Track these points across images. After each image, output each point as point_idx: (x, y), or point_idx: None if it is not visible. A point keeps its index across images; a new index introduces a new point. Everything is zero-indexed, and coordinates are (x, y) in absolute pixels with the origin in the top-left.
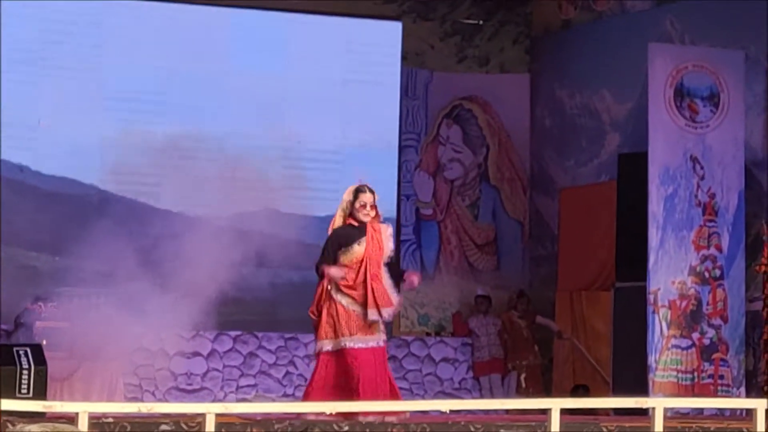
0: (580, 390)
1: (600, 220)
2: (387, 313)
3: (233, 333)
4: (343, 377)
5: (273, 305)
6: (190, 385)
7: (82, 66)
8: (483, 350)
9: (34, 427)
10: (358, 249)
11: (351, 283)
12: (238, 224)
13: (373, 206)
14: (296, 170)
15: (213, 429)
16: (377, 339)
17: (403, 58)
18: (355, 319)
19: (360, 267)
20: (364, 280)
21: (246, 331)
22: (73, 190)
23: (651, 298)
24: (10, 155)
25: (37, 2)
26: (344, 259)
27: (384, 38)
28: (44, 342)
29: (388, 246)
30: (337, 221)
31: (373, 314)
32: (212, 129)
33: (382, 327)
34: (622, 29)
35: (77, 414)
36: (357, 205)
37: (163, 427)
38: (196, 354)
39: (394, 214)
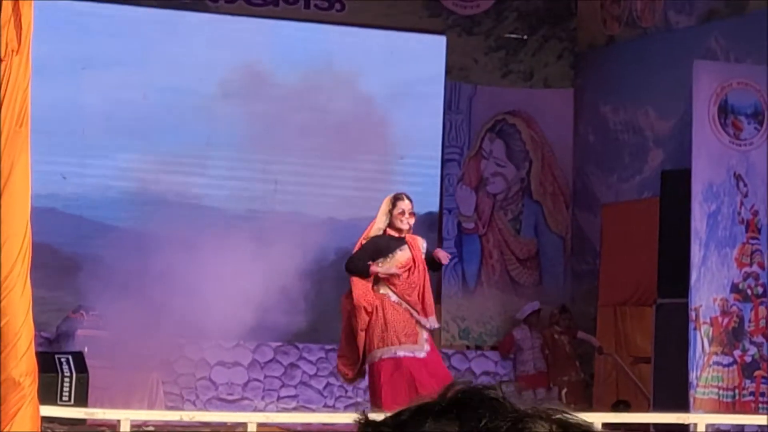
0: (620, 406)
1: (642, 236)
2: (433, 322)
3: (274, 344)
4: (406, 386)
5: (314, 316)
6: (231, 395)
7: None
8: (527, 364)
9: None
10: (401, 255)
11: (405, 288)
12: (281, 235)
13: (412, 213)
14: (339, 184)
15: None
16: (423, 349)
17: (447, 72)
18: (411, 324)
19: (410, 272)
20: (418, 287)
21: (287, 342)
22: (114, 197)
23: (693, 314)
24: (53, 163)
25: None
26: (387, 266)
27: (428, 52)
28: (86, 350)
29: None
30: (374, 231)
31: (428, 321)
32: (256, 140)
33: (426, 336)
34: (667, 46)
35: (119, 421)
36: (396, 212)
37: None
38: (237, 364)
39: (435, 227)
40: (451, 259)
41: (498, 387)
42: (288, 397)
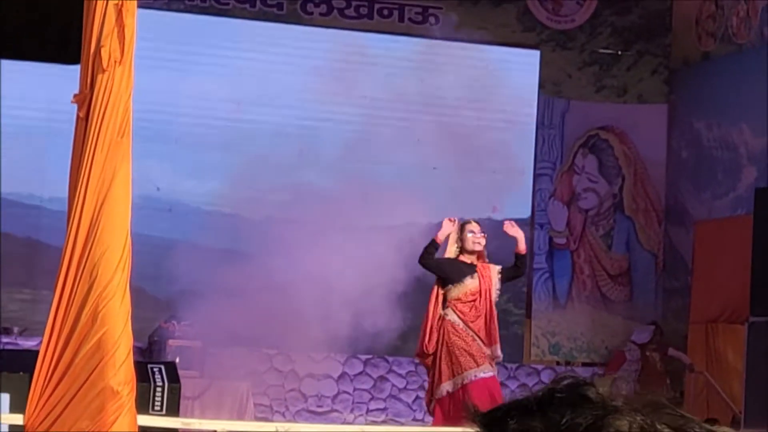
0: (710, 424)
1: (735, 253)
2: (498, 351)
3: (364, 356)
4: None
5: (404, 330)
6: (320, 407)
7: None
8: (628, 383)
9: None
10: (471, 282)
11: (471, 316)
12: (371, 251)
13: (483, 234)
14: (430, 196)
15: None
16: (493, 370)
17: (541, 86)
18: (479, 348)
19: (476, 301)
20: (483, 315)
21: (377, 355)
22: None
23: None
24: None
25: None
26: (455, 292)
27: (522, 66)
28: (177, 360)
29: (497, 285)
30: (447, 256)
31: (491, 350)
32: (349, 150)
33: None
34: (762, 62)
35: None
36: (466, 234)
37: None
38: (327, 376)
39: (527, 242)
40: (542, 274)
41: (593, 383)
42: (377, 410)
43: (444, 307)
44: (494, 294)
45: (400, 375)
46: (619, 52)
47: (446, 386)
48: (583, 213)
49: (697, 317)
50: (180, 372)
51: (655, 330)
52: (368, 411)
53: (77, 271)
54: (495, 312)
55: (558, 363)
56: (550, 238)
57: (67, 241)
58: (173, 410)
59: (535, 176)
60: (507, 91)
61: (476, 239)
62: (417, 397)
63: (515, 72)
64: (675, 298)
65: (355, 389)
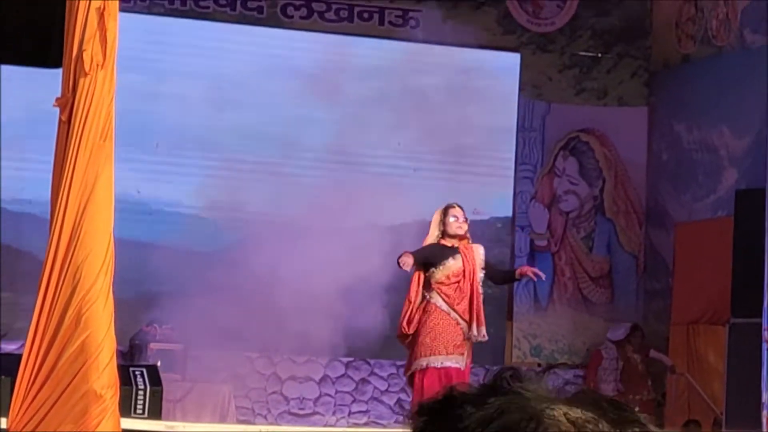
0: (691, 425)
1: (715, 255)
2: (483, 332)
3: (345, 359)
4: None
5: (386, 333)
6: (302, 409)
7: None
8: (608, 384)
9: None
10: (454, 263)
11: (455, 298)
12: (353, 254)
13: (465, 219)
14: (412, 197)
15: None
16: (464, 360)
17: (521, 89)
18: (459, 334)
19: (460, 282)
20: (468, 296)
21: (358, 358)
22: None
23: (766, 334)
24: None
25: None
26: (439, 275)
27: (502, 69)
28: (158, 363)
29: (481, 265)
30: (429, 240)
31: (476, 331)
32: (331, 151)
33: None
34: (742, 65)
35: None
36: (448, 219)
37: None
38: (309, 379)
39: (508, 244)
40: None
41: (527, 375)
42: (359, 412)
43: (428, 290)
44: (479, 274)
45: (381, 378)
46: (599, 55)
47: (425, 361)
48: (564, 215)
49: (679, 319)
50: (161, 375)
51: (632, 327)
52: (350, 413)
53: (60, 275)
54: (480, 292)
55: (539, 365)
56: (531, 241)
57: (50, 245)
58: (155, 413)
59: (516, 179)
60: (487, 94)
61: (459, 224)
62: (399, 400)
63: (496, 75)
64: (656, 300)
65: (336, 392)
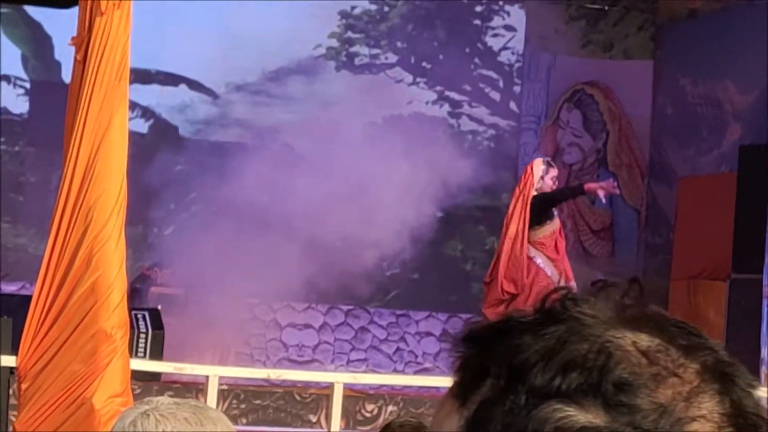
0: None
1: (718, 210)
2: (575, 286)
3: (345, 307)
4: None
5: (385, 282)
6: (301, 356)
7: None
8: None
9: (164, 399)
10: (556, 222)
11: (555, 257)
12: (358, 202)
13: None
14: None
15: (341, 398)
16: None
17: (526, 41)
18: None
19: (557, 241)
20: (562, 255)
21: (358, 306)
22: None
23: (767, 290)
24: None
25: None
26: (541, 233)
27: (508, 21)
28: (159, 307)
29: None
30: (530, 191)
31: (572, 286)
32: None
33: None
34: (749, 20)
35: (207, 377)
36: (548, 177)
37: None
38: (308, 326)
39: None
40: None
41: (581, 296)
42: (358, 360)
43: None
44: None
45: (381, 326)
46: (606, 8)
47: None
48: (567, 168)
49: (679, 274)
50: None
51: (631, 281)
52: (349, 361)
53: (72, 214)
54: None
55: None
56: None
57: (63, 184)
58: (157, 356)
59: (520, 131)
60: (493, 46)
61: (555, 184)
62: (398, 349)
63: (501, 27)
64: (657, 255)
65: (336, 339)
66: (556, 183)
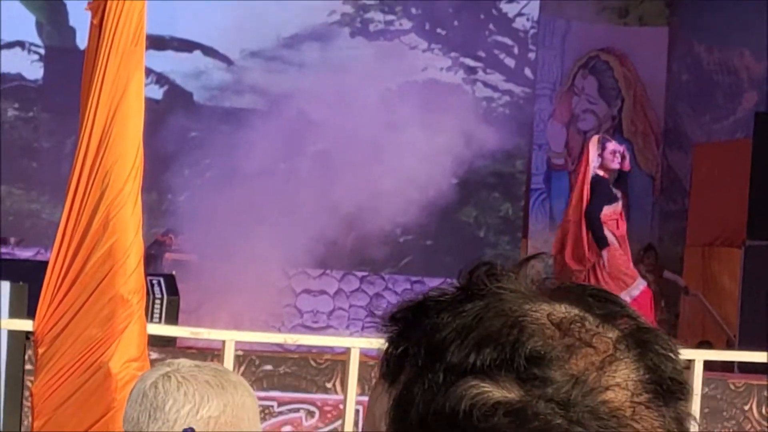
0: (703, 346)
1: (733, 177)
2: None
3: (360, 273)
4: None
5: (401, 248)
6: (316, 323)
7: None
8: None
9: (185, 361)
10: (618, 205)
11: (620, 233)
12: (370, 166)
13: (622, 149)
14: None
15: (357, 363)
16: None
17: (542, 7)
18: (629, 269)
19: (620, 218)
20: (625, 231)
21: (373, 272)
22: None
23: None
24: None
25: None
26: (607, 212)
27: None
28: (174, 273)
29: None
30: (588, 172)
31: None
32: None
33: None
34: None
35: (224, 342)
36: (606, 153)
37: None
38: (323, 292)
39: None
40: (539, 194)
41: (503, 271)
42: (373, 326)
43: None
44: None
45: (395, 293)
46: None
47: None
48: (581, 134)
49: (694, 240)
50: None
51: (646, 247)
52: (364, 328)
53: (89, 179)
54: None
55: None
56: (548, 159)
57: (79, 149)
58: (172, 323)
59: (535, 97)
60: (508, 12)
61: (616, 157)
62: None
63: None
64: (672, 221)
65: (350, 306)
66: (617, 156)
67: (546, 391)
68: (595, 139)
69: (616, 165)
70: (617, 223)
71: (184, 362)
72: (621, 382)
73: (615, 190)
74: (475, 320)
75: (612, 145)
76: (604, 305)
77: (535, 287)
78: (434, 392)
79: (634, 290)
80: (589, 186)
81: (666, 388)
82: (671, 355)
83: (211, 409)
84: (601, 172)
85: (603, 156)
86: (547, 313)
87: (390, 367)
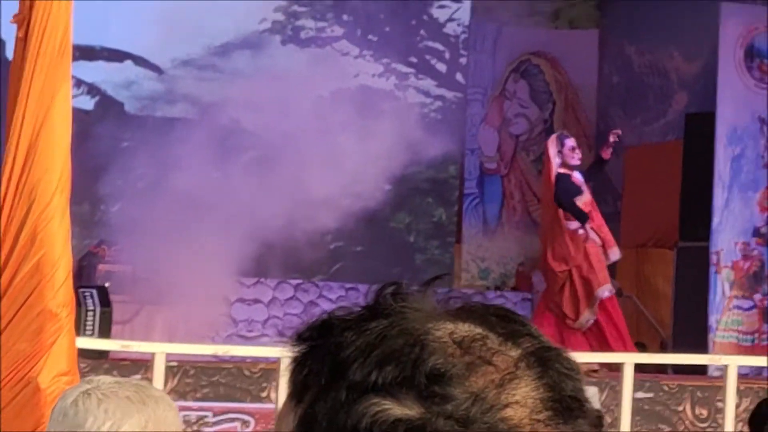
0: (638, 348)
1: (665, 179)
2: (617, 252)
3: (294, 281)
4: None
5: (334, 255)
6: (251, 332)
7: None
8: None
9: (106, 378)
10: (587, 194)
11: (596, 226)
12: (303, 173)
13: (579, 148)
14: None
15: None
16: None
17: (473, 12)
18: (603, 267)
19: (592, 211)
20: (599, 224)
21: (307, 280)
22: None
23: (714, 258)
24: None
25: None
26: (580, 203)
27: None
28: (107, 285)
29: None
30: (552, 172)
31: (613, 253)
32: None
33: None
34: None
35: (153, 355)
36: (566, 150)
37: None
38: (257, 301)
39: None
40: (472, 199)
41: (410, 291)
42: None
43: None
44: None
45: (330, 300)
46: None
47: (587, 315)
48: (513, 138)
49: (627, 242)
50: (110, 297)
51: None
52: None
53: (15, 193)
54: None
55: (488, 288)
56: (481, 163)
57: (6, 163)
58: (105, 334)
59: (467, 101)
60: (438, 17)
61: (576, 154)
62: None
63: None
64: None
65: (285, 314)
66: (576, 152)
67: (446, 408)
68: (553, 137)
69: (576, 161)
70: (591, 214)
71: (104, 379)
72: (520, 400)
73: (581, 181)
74: (378, 338)
75: (570, 142)
76: (507, 325)
77: (440, 307)
78: (336, 410)
79: (605, 292)
80: (553, 185)
81: (566, 405)
82: (572, 373)
83: (132, 425)
84: (562, 170)
85: (563, 153)
86: (450, 332)
87: (296, 386)
